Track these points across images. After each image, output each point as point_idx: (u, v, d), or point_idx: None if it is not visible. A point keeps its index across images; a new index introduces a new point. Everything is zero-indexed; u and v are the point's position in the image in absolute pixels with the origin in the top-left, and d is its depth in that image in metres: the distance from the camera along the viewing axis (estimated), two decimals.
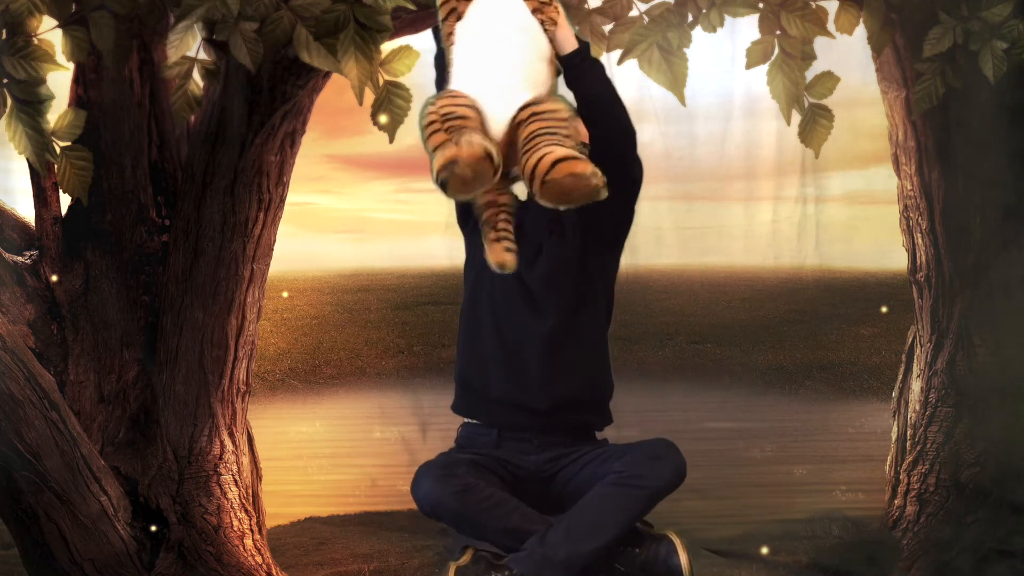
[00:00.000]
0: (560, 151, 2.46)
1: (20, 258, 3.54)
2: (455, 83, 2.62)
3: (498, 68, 2.59)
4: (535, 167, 2.46)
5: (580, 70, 2.74)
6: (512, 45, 2.60)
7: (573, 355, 2.90)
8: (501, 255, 2.63)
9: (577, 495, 2.81)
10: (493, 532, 2.79)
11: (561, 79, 2.75)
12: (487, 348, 2.91)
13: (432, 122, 2.54)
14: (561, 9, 2.70)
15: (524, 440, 2.92)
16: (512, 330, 2.89)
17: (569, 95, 2.84)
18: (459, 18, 2.63)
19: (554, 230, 2.92)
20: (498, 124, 2.58)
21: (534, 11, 2.63)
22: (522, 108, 2.56)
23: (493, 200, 2.64)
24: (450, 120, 2.52)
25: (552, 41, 2.69)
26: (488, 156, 2.44)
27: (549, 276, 2.88)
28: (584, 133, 2.65)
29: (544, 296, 2.89)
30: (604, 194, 2.46)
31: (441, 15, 2.66)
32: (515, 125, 2.56)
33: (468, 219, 2.88)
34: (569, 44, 2.72)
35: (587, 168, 2.44)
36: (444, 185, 2.46)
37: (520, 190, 2.80)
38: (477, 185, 2.47)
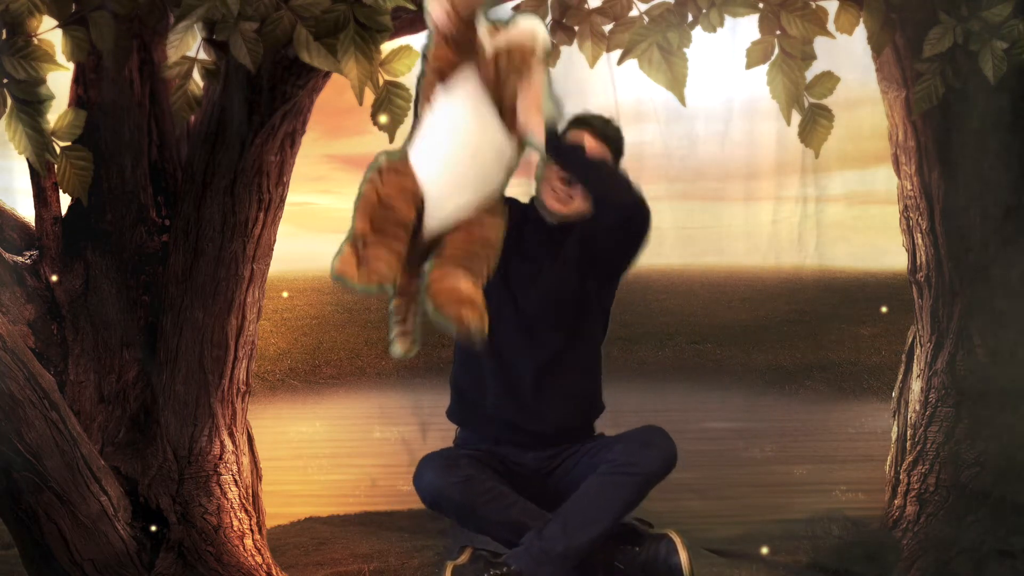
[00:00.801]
0: (459, 280, 2.55)
1: (20, 258, 3.54)
2: (414, 151, 2.61)
3: (455, 162, 2.58)
4: (431, 283, 2.57)
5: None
6: (476, 138, 2.58)
7: (568, 382, 2.88)
8: (400, 349, 2.73)
9: (573, 488, 2.82)
10: (494, 525, 2.79)
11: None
12: (482, 363, 2.91)
13: (367, 198, 2.57)
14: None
15: (521, 445, 2.93)
16: (508, 350, 2.88)
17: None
18: (442, 79, 2.59)
19: (556, 256, 2.90)
20: (435, 219, 2.60)
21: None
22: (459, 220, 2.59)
23: (404, 288, 2.65)
24: (386, 209, 2.54)
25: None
26: (379, 287, 2.53)
27: (546, 299, 2.88)
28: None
29: (540, 319, 2.88)
30: (482, 335, 2.58)
31: (429, 67, 2.62)
32: (443, 231, 2.60)
33: None
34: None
35: (471, 316, 2.54)
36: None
37: (517, 191, 2.80)
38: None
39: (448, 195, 2.58)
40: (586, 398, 2.96)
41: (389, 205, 2.55)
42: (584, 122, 2.95)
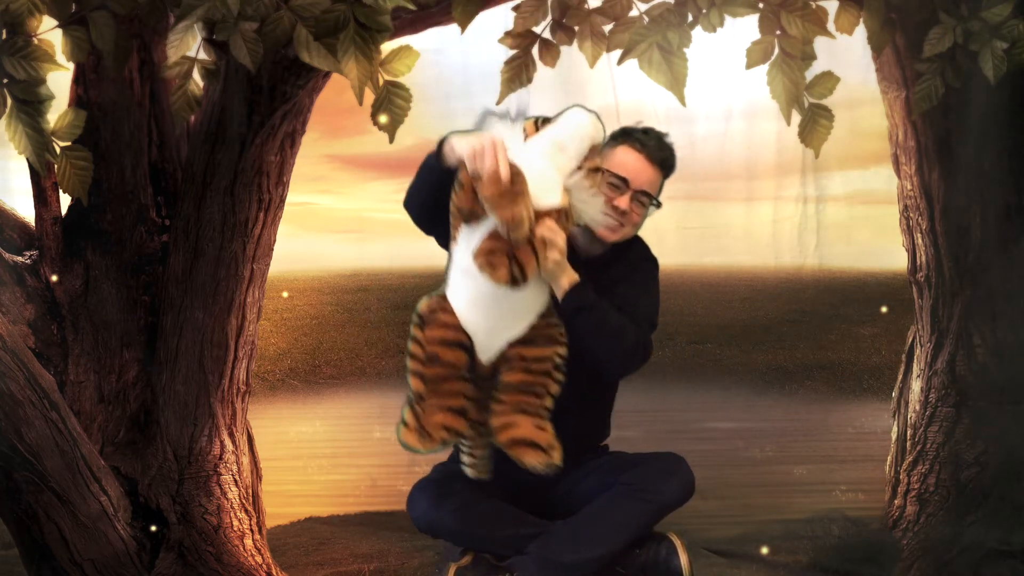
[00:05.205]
0: (523, 429, 2.52)
1: (20, 258, 3.54)
2: (451, 291, 2.58)
3: (490, 302, 2.52)
4: (499, 431, 2.55)
5: (569, 322, 2.62)
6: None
7: (570, 410, 2.75)
8: (472, 474, 2.71)
9: (581, 503, 2.80)
10: (493, 543, 2.78)
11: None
12: None
13: (415, 356, 2.52)
14: (561, 251, 2.55)
15: None
16: None
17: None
18: (465, 220, 2.53)
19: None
20: (486, 355, 2.57)
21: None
22: (512, 346, 2.55)
23: (474, 423, 2.64)
24: (434, 365, 2.50)
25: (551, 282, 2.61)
26: (443, 443, 2.51)
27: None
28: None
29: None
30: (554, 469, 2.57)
31: (452, 204, 2.55)
32: (500, 362, 2.57)
33: (435, 225, 2.74)
34: (560, 290, 2.61)
35: (537, 460, 2.53)
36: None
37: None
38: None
39: (491, 333, 2.54)
40: (589, 426, 2.92)
41: (436, 359, 2.51)
42: (634, 139, 2.87)
